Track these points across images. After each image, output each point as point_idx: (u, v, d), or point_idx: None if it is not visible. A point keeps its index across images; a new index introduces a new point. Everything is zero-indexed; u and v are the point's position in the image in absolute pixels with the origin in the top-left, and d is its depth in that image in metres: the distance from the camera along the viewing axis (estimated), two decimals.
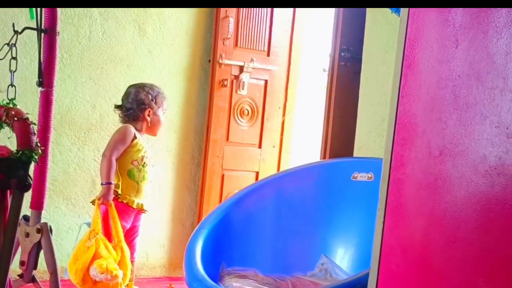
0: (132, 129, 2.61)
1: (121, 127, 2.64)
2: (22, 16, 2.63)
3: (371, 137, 2.45)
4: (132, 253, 2.68)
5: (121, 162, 2.59)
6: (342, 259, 2.26)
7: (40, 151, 1.37)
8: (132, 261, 2.70)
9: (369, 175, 2.24)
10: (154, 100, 2.66)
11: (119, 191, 2.56)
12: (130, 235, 2.65)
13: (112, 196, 2.50)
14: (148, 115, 2.66)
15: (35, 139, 1.39)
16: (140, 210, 2.62)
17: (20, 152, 1.36)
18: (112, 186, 2.51)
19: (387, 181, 1.32)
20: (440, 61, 1.21)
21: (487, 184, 1.08)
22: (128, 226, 2.61)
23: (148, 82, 2.75)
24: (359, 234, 2.25)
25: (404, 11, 1.33)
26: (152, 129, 2.70)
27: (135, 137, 2.60)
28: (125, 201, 2.56)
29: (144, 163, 2.62)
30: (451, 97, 1.18)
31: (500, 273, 1.05)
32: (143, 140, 2.67)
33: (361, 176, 2.27)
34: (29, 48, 2.80)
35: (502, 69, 1.07)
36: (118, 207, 2.54)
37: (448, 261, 1.15)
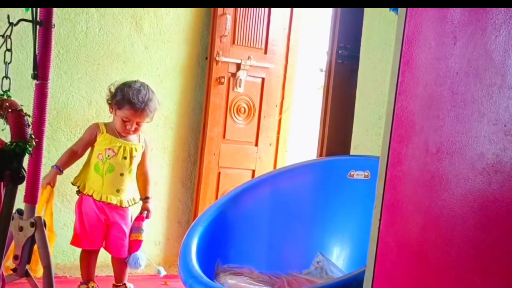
0: (95, 126, 2.62)
1: None
2: (18, 8, 2.62)
3: (368, 135, 2.44)
4: (119, 250, 2.64)
5: (89, 158, 2.62)
6: (338, 257, 2.25)
7: (34, 143, 1.36)
8: (122, 258, 2.67)
9: (366, 173, 2.24)
10: (114, 101, 2.57)
11: (79, 184, 2.58)
12: (111, 231, 2.62)
13: (54, 179, 2.52)
14: (111, 112, 2.62)
15: (29, 130, 1.38)
16: (106, 203, 2.56)
17: (14, 143, 1.34)
18: (57, 171, 2.55)
19: (383, 178, 1.31)
20: (438, 58, 1.21)
21: (484, 182, 1.07)
22: (102, 218, 2.59)
23: (135, 82, 2.62)
24: (355, 232, 2.25)
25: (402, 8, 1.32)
26: (116, 128, 2.61)
27: (101, 132, 2.58)
28: (89, 194, 2.55)
29: (108, 155, 2.57)
30: (448, 95, 1.17)
31: (497, 271, 1.04)
32: (119, 135, 2.60)
33: (358, 174, 2.27)
34: (25, 43, 2.79)
35: (500, 66, 1.07)
36: (86, 200, 2.57)
37: (445, 259, 1.15)
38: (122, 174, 2.59)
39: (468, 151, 1.11)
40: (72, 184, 2.62)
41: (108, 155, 2.57)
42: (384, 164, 1.32)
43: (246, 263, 2.17)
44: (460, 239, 1.12)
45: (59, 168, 2.57)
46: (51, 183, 2.51)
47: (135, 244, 2.62)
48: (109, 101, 2.61)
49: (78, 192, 2.61)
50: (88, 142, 2.62)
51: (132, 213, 2.71)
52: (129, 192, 2.64)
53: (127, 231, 2.64)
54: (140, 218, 2.66)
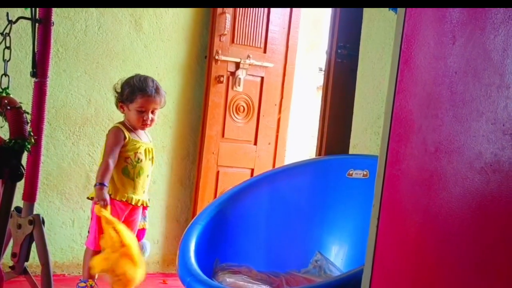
0: (119, 130, 2.57)
1: (109, 130, 2.61)
2: None
3: (367, 134, 2.44)
4: None
5: (117, 162, 2.57)
6: (337, 256, 2.25)
7: (33, 140, 1.36)
8: None
9: (365, 173, 2.24)
10: (123, 95, 2.56)
11: (110, 192, 2.53)
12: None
13: (106, 196, 2.45)
14: (123, 111, 2.61)
15: (28, 128, 1.38)
16: (138, 205, 2.61)
17: (13, 141, 1.34)
18: (105, 188, 2.45)
19: (382, 177, 1.31)
20: (437, 57, 1.21)
21: (482, 181, 1.07)
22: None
23: (137, 74, 2.65)
24: (354, 231, 2.25)
25: None
26: (132, 124, 2.61)
27: (126, 138, 2.56)
28: (124, 199, 2.55)
29: (138, 158, 2.58)
30: (447, 94, 1.17)
31: (494, 270, 1.05)
32: (137, 135, 2.63)
33: (357, 174, 2.27)
34: (24, 41, 2.79)
35: (499, 65, 1.07)
36: (116, 205, 2.55)
37: (443, 258, 1.15)
38: (148, 176, 2.65)
39: (466, 150, 1.11)
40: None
41: (138, 159, 2.58)
42: (383, 163, 1.32)
43: (245, 262, 2.17)
44: (458, 238, 1.12)
45: (103, 184, 2.47)
46: (106, 202, 2.44)
47: (142, 233, 2.67)
48: (119, 99, 2.60)
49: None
50: (118, 151, 2.54)
51: None
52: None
53: (137, 228, 2.68)
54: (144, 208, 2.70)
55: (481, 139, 1.08)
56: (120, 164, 2.58)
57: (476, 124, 1.10)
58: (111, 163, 2.50)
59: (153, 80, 2.62)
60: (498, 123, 1.05)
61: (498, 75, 1.06)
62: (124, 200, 2.56)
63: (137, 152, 2.59)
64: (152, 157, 2.68)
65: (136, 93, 2.54)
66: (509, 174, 1.02)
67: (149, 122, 2.60)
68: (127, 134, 2.58)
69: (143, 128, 2.63)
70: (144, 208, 2.69)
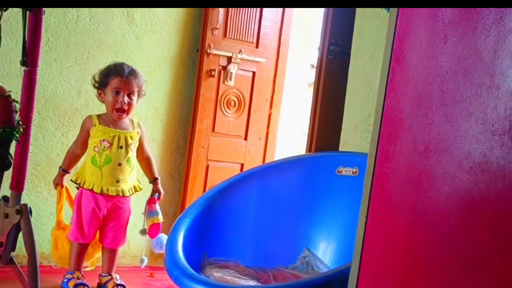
0: (88, 120, 2.63)
1: None
2: None
3: (357, 132, 2.45)
4: (113, 241, 2.66)
5: (88, 152, 2.62)
6: (325, 252, 2.26)
7: (21, 129, 1.35)
8: (114, 249, 2.69)
9: (354, 170, 2.25)
10: (100, 79, 2.62)
11: (80, 181, 2.58)
12: (107, 222, 2.63)
13: (61, 181, 2.63)
14: (101, 100, 2.65)
15: (17, 117, 1.37)
16: (107, 195, 2.58)
17: (1, 129, 1.33)
18: (62, 173, 2.64)
19: (371, 175, 1.32)
20: (429, 56, 1.21)
21: (470, 181, 1.08)
22: (99, 213, 2.60)
23: (113, 62, 2.69)
24: (342, 228, 2.25)
25: None
26: (109, 110, 2.63)
27: (94, 125, 2.59)
28: (89, 188, 2.56)
29: (104, 146, 2.57)
30: (438, 93, 1.17)
31: (481, 269, 1.05)
32: (114, 123, 2.61)
33: (346, 171, 2.27)
34: (15, 30, 2.76)
35: (489, 66, 1.07)
36: (85, 195, 2.58)
37: (430, 256, 1.15)
38: (120, 164, 2.60)
39: (455, 149, 1.12)
40: (72, 181, 2.64)
41: (104, 147, 2.57)
42: (372, 161, 1.32)
43: (233, 256, 2.18)
44: (445, 236, 1.12)
45: (64, 170, 2.64)
46: (60, 184, 2.62)
47: (154, 228, 2.64)
48: (96, 85, 2.62)
49: (78, 187, 2.62)
50: (83, 138, 2.64)
51: (139, 199, 2.77)
52: (130, 181, 2.64)
53: (125, 220, 2.65)
54: (152, 201, 2.68)
55: (470, 139, 1.09)
56: (90, 153, 2.60)
57: (465, 124, 1.10)
58: (74, 149, 2.65)
59: (128, 66, 2.65)
60: (488, 123, 1.05)
61: (488, 76, 1.07)
62: (91, 188, 2.55)
63: (103, 140, 2.57)
64: (128, 145, 2.62)
65: (110, 75, 2.59)
66: (497, 174, 1.03)
67: (125, 106, 2.58)
68: (95, 121, 2.59)
69: (121, 112, 2.60)
70: (153, 202, 2.66)
